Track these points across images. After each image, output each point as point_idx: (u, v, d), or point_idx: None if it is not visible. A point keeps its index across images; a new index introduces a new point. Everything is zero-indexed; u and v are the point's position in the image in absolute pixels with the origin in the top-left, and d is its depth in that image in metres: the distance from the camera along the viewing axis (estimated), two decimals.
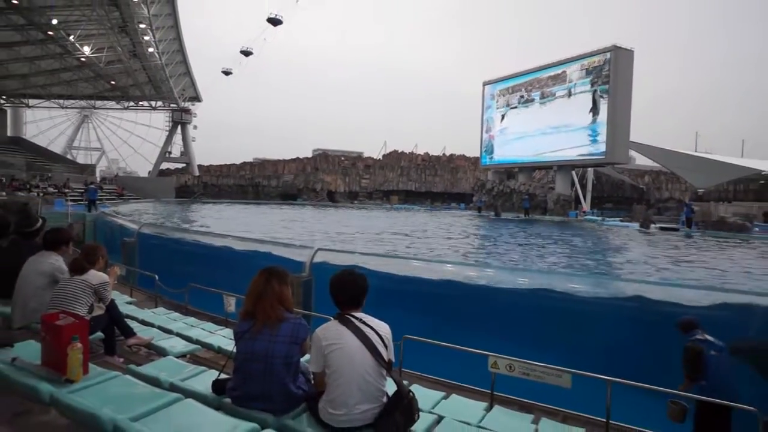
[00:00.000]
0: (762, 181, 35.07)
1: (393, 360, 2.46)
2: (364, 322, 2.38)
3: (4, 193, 21.80)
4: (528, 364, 4.08)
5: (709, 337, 4.26)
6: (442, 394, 3.62)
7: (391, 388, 2.39)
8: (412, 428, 2.42)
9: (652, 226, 23.54)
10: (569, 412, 4.28)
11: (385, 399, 2.37)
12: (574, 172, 35.09)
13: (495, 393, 4.24)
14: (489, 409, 3.56)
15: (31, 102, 49.20)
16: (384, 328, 2.43)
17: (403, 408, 2.29)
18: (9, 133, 46.97)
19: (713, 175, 30.99)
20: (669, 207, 36.72)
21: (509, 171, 39.60)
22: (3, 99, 46.37)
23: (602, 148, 30.10)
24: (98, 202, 24.37)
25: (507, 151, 37.77)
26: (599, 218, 29.54)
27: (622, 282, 8.47)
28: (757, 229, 22.79)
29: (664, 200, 39.33)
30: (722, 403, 3.63)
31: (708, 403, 3.75)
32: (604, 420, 3.84)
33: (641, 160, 44.57)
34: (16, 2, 27.03)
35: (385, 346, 2.37)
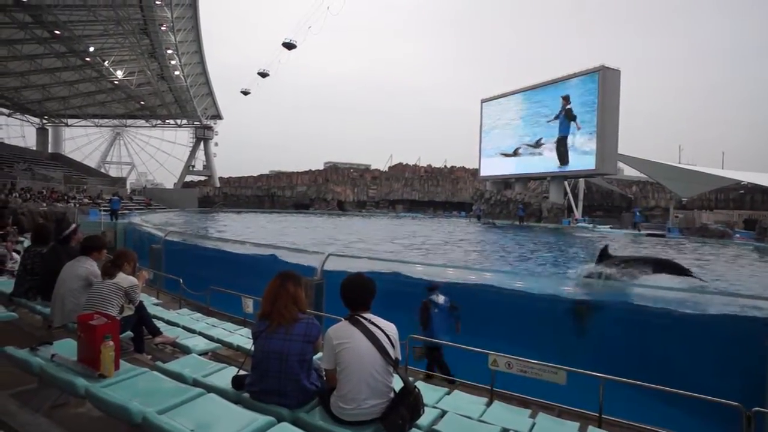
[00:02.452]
0: (741, 191, 34.72)
1: (400, 358, 2.45)
2: (372, 323, 2.37)
3: (44, 204, 22.06)
4: (525, 362, 4.04)
5: (439, 299, 5.60)
6: (446, 390, 3.59)
7: (397, 384, 2.37)
8: (418, 422, 2.40)
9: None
10: (564, 407, 4.22)
11: (392, 395, 2.36)
12: (566, 183, 34.94)
13: (495, 389, 4.20)
14: (489, 404, 3.52)
15: (70, 121, 50.00)
16: (391, 328, 2.42)
17: (409, 403, 2.28)
18: (50, 150, 47.69)
19: (696, 185, 30.69)
20: (655, 215, 36.43)
21: (506, 181, 39.50)
22: (45, 119, 47.18)
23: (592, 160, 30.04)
24: (126, 212, 24.60)
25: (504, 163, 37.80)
26: (590, 225, 29.32)
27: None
28: (737, 235, 22.53)
29: (651, 208, 39.01)
30: (710, 399, 3.56)
31: (430, 344, 5.22)
32: (597, 414, 3.79)
33: (629, 171, 44.23)
34: (58, 33, 27.61)
35: (393, 345, 2.37)
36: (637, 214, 28.27)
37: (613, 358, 5.53)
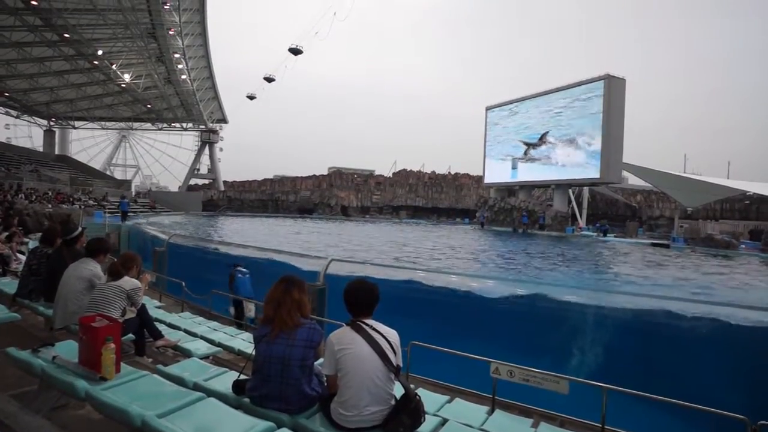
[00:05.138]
0: (747, 201, 34.54)
1: (401, 365, 2.44)
2: (374, 329, 2.36)
3: (50, 206, 22.20)
4: (527, 371, 4.01)
5: (241, 269, 8.02)
6: (447, 397, 3.56)
7: (399, 391, 2.36)
8: (418, 430, 2.38)
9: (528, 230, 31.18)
10: (567, 417, 4.18)
11: (393, 402, 2.34)
12: (570, 191, 34.87)
13: (496, 398, 4.17)
14: (491, 412, 3.49)
15: (77, 123, 50.45)
16: (393, 334, 2.41)
17: (410, 410, 2.26)
18: (56, 151, 48.09)
19: (701, 195, 30.57)
20: (660, 224, 36.25)
21: (510, 188, 39.47)
22: (53, 121, 47.62)
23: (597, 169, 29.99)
24: (131, 214, 24.78)
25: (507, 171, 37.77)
26: (594, 234, 29.20)
27: None
28: (743, 246, 22.37)
29: (656, 218, 38.84)
30: (715, 412, 3.51)
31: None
32: (600, 425, 3.74)
33: (633, 180, 44.12)
34: (67, 36, 27.97)
35: (394, 351, 2.35)
36: (605, 226, 29.29)
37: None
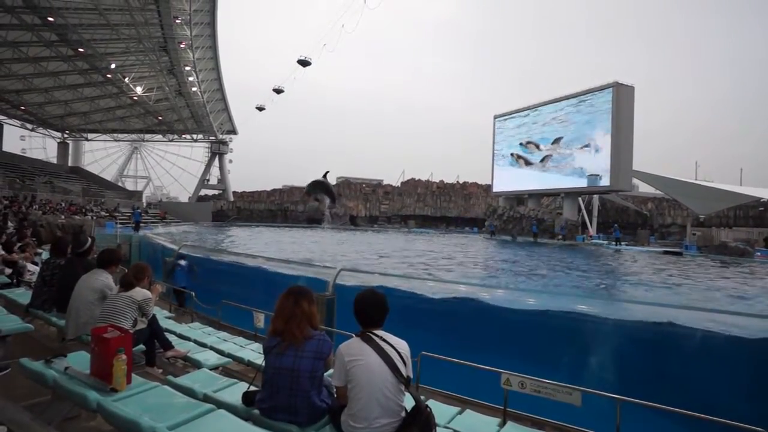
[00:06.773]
0: (761, 208, 33.97)
1: (411, 376, 2.42)
2: (384, 340, 2.35)
3: (63, 217, 22.53)
4: (539, 382, 3.94)
5: (182, 262, 9.72)
6: (457, 409, 3.51)
7: (409, 403, 2.33)
8: None
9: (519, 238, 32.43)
10: (580, 429, 4.10)
11: (403, 414, 2.31)
12: (580, 199, 34.59)
13: (508, 409, 4.10)
14: (502, 424, 3.43)
15: (90, 136, 51.42)
16: (403, 345, 2.39)
17: (420, 423, 2.23)
18: (70, 163, 48.96)
19: (714, 202, 30.11)
20: (672, 232, 35.76)
21: (519, 197, 39.27)
22: (67, 133, 48.58)
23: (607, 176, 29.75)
24: (142, 224, 25.11)
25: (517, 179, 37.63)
26: (606, 242, 28.88)
27: None
28: (758, 253, 21.97)
29: (667, 225, 38.33)
30: (729, 423, 3.42)
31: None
32: None
33: (644, 188, 43.65)
34: (82, 50, 28.66)
35: (404, 362, 2.33)
36: (617, 231, 28.62)
37: None
